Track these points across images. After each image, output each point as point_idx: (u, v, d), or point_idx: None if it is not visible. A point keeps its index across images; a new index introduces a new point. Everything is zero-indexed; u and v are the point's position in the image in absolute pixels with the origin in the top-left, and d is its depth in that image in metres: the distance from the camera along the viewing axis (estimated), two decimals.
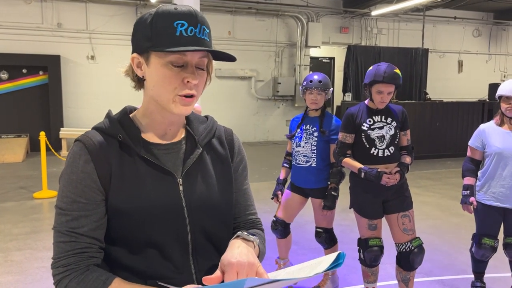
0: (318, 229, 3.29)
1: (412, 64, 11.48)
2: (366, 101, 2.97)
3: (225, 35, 11.16)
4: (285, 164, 3.50)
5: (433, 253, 4.13)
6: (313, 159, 3.20)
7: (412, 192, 3.00)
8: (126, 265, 1.05)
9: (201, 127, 1.17)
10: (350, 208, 3.04)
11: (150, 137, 1.10)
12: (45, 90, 9.89)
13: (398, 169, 2.84)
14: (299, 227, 4.51)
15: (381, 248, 2.92)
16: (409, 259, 2.85)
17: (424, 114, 9.33)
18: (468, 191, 3.16)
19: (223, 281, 0.94)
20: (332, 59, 13.41)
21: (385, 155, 2.86)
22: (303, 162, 3.24)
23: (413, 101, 10.63)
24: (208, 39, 1.03)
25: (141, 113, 1.12)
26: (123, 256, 1.05)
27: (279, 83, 11.71)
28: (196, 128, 1.16)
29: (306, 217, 4.24)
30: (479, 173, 3.25)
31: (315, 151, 3.20)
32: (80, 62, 10.14)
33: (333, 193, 3.14)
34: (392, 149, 2.88)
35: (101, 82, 10.03)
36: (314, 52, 12.53)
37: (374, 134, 2.87)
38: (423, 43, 11.67)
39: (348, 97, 10.72)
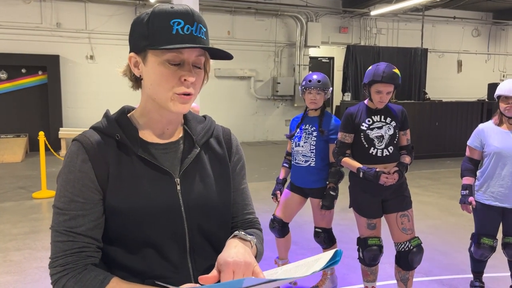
0: (317, 229, 3.30)
1: (411, 64, 11.48)
2: (365, 101, 2.97)
3: (224, 35, 11.16)
4: (285, 164, 3.50)
5: (432, 252, 4.13)
6: (312, 159, 3.21)
7: (411, 191, 3.01)
8: (124, 265, 1.04)
9: (199, 127, 1.17)
10: (349, 207, 3.05)
11: (148, 136, 1.10)
12: (44, 90, 9.89)
13: (396, 168, 2.84)
14: (298, 227, 4.51)
15: (380, 247, 2.92)
16: (408, 259, 2.85)
17: (423, 114, 9.34)
18: (467, 191, 3.16)
19: (219, 281, 0.94)
20: (331, 59, 13.42)
21: (384, 154, 2.86)
22: (302, 161, 3.24)
23: (412, 101, 10.63)
24: (205, 38, 1.03)
25: (139, 112, 1.12)
26: (120, 256, 1.05)
27: (279, 83, 11.72)
28: (194, 127, 1.16)
29: (305, 217, 4.24)
30: (478, 173, 3.25)
31: (314, 151, 3.20)
32: (79, 62, 10.14)
33: (331, 193, 3.14)
34: (391, 149, 2.88)
35: (100, 82, 10.03)
36: (313, 52, 12.54)
37: (373, 134, 2.87)
38: (422, 43, 11.68)
39: (348, 97, 10.72)
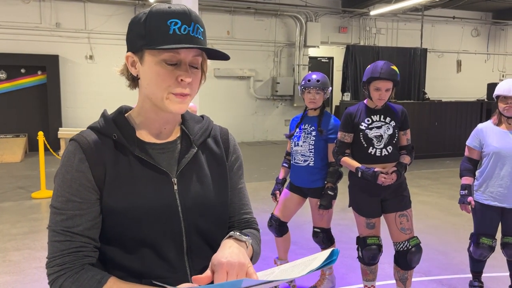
0: (315, 229, 3.29)
1: (411, 63, 11.49)
2: (365, 101, 2.97)
3: (223, 34, 11.16)
4: (284, 164, 3.50)
5: (431, 252, 4.13)
6: (311, 158, 3.21)
7: (410, 191, 3.00)
8: (121, 265, 1.04)
9: (196, 127, 1.17)
10: (349, 206, 3.05)
11: (145, 136, 1.10)
12: (43, 90, 9.88)
13: (394, 169, 2.83)
14: (298, 227, 4.51)
15: (379, 246, 2.93)
16: (406, 258, 2.85)
17: (422, 114, 9.34)
18: (466, 191, 3.16)
19: (212, 282, 0.94)
20: (331, 58, 13.42)
21: (383, 154, 2.86)
22: (301, 161, 3.25)
23: (412, 101, 10.63)
24: (202, 38, 1.03)
25: (136, 112, 1.12)
26: (118, 256, 1.05)
27: (278, 83, 11.71)
28: (191, 127, 1.16)
29: (304, 217, 4.24)
30: (477, 173, 3.25)
31: (312, 150, 3.20)
32: (79, 62, 10.13)
33: (329, 192, 3.14)
34: (390, 148, 2.88)
35: (99, 82, 10.02)
36: (313, 52, 12.54)
37: (372, 133, 2.87)
38: (421, 42, 11.68)
39: (347, 96, 10.73)
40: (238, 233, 1.06)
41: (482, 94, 12.03)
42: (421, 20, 11.96)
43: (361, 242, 2.95)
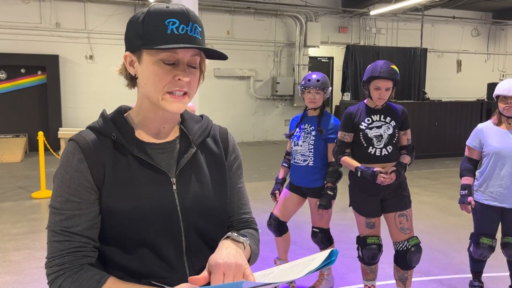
0: (314, 229, 3.29)
1: (411, 63, 11.49)
2: (365, 100, 2.97)
3: (223, 34, 11.16)
4: (284, 164, 3.50)
5: (431, 252, 4.13)
6: (311, 158, 3.21)
7: (410, 191, 3.00)
8: (120, 265, 1.04)
9: (195, 126, 1.17)
10: (349, 206, 3.05)
11: (144, 136, 1.10)
12: (43, 90, 9.88)
13: (394, 168, 2.83)
14: (297, 227, 4.51)
15: (379, 246, 2.93)
16: (406, 258, 2.85)
17: (422, 114, 9.34)
18: (466, 191, 3.16)
19: (209, 283, 0.94)
20: (331, 58, 13.41)
21: (383, 154, 2.86)
22: (300, 161, 3.24)
23: (412, 101, 10.63)
24: (200, 38, 1.03)
25: (135, 111, 1.12)
26: (117, 256, 1.05)
27: (278, 83, 11.71)
28: (190, 127, 1.16)
29: (304, 217, 4.23)
30: (477, 173, 3.25)
31: (312, 150, 3.20)
32: (79, 61, 10.13)
33: (329, 192, 3.14)
34: (390, 148, 2.88)
35: (99, 82, 10.02)
36: (313, 52, 12.53)
37: (372, 133, 2.87)
38: (421, 42, 11.68)
39: (347, 96, 10.73)
40: (235, 234, 1.05)
41: (482, 94, 12.03)
42: (421, 20, 11.96)
43: (361, 241, 2.95)
